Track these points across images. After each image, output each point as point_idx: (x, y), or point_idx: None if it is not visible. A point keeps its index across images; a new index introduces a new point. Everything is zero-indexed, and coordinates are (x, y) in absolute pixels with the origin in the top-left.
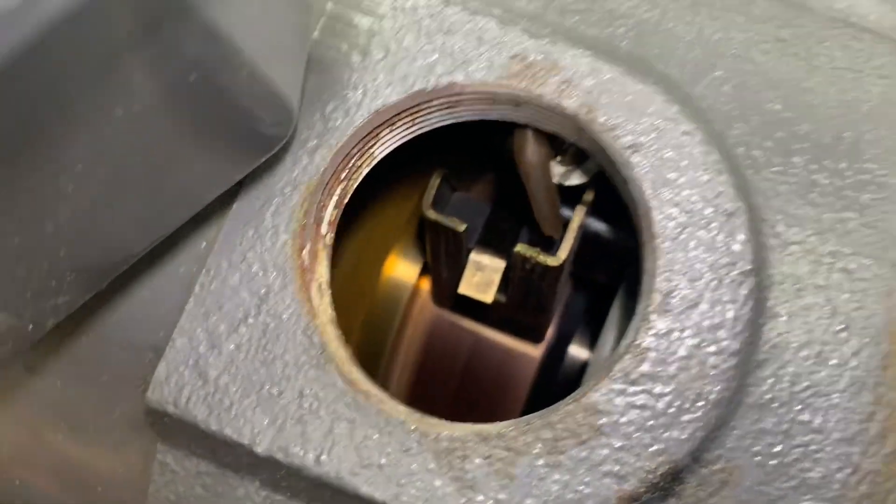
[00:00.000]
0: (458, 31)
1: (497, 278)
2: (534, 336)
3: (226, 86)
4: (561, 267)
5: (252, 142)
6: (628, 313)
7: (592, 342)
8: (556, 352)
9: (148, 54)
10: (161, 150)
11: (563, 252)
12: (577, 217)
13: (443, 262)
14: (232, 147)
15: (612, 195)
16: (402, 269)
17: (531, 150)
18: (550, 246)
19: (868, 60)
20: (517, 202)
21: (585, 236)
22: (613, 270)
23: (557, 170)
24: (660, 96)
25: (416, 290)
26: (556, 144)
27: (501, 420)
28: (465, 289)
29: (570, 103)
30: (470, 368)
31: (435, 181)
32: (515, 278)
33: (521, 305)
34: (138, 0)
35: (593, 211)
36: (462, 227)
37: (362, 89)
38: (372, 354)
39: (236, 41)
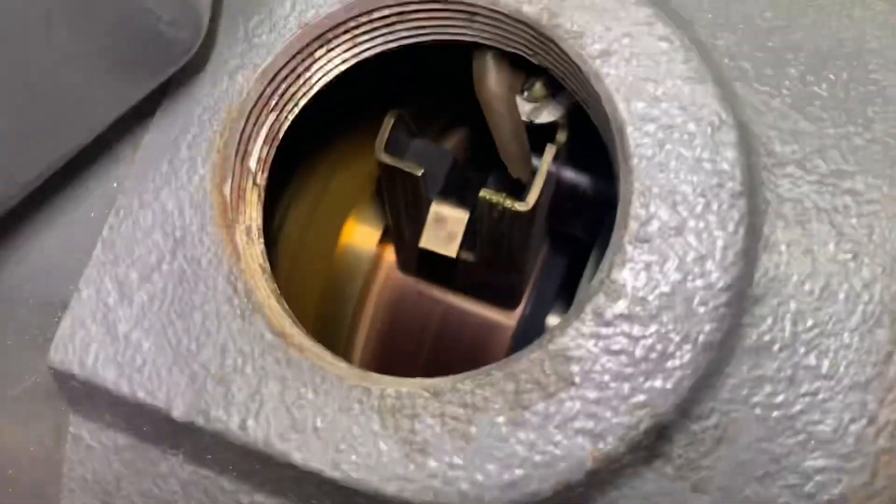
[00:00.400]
0: None
1: (460, 230)
2: (508, 302)
3: None
4: (531, 213)
5: (151, 45)
6: None
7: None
8: (533, 322)
9: None
10: (43, 51)
11: (533, 196)
12: (548, 156)
13: (403, 217)
14: (126, 50)
15: (587, 139)
16: (363, 234)
17: (493, 78)
18: (520, 191)
19: None
20: (487, 150)
21: (560, 186)
22: (592, 224)
23: (525, 106)
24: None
25: (378, 256)
26: (523, 74)
27: None
28: (425, 242)
29: (531, 9)
30: (440, 340)
31: (388, 122)
32: (483, 230)
33: (491, 263)
34: None
35: (568, 158)
36: (419, 172)
37: (290, 1)
38: (331, 325)
39: None
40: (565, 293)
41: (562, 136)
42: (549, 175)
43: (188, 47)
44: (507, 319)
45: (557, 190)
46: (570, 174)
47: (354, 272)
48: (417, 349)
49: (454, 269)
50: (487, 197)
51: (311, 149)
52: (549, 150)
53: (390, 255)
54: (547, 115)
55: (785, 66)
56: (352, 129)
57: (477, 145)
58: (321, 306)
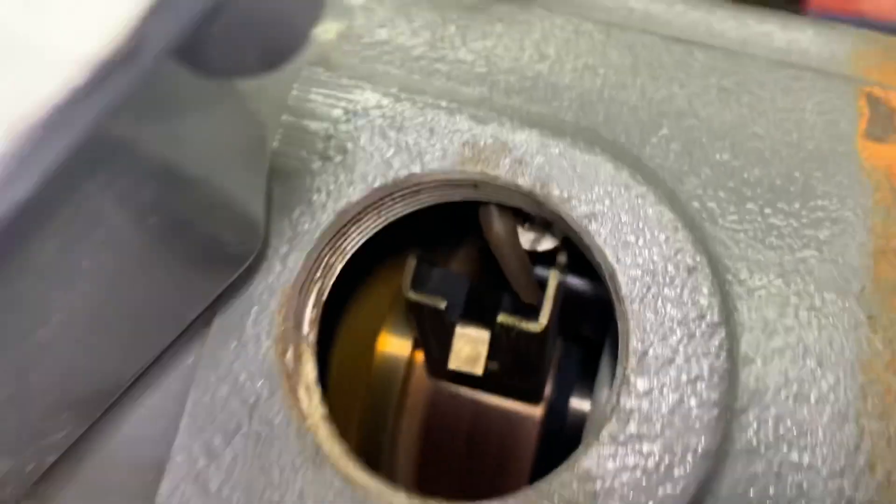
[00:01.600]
0: (409, 126)
1: (484, 350)
2: (532, 397)
3: (187, 220)
4: (544, 332)
5: (223, 262)
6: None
7: (592, 390)
8: (557, 408)
9: (102, 211)
10: (135, 286)
11: (544, 318)
12: (553, 282)
13: (431, 339)
14: (204, 270)
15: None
16: (395, 345)
17: (497, 225)
18: (533, 312)
19: (809, 98)
20: (496, 272)
21: (566, 295)
22: (598, 324)
23: (527, 237)
24: (609, 164)
25: (410, 364)
26: (522, 213)
27: (511, 484)
28: (454, 364)
29: (524, 181)
30: (473, 437)
31: (411, 264)
32: (502, 347)
33: (513, 371)
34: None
35: (570, 270)
36: (443, 305)
37: (325, 192)
38: (375, 432)
39: (191, 179)
40: (582, 379)
41: (562, 258)
42: (556, 296)
43: (252, 253)
44: (533, 410)
45: (563, 299)
46: (574, 281)
47: (392, 377)
48: (454, 447)
49: (481, 378)
50: (504, 321)
51: (342, 292)
52: (554, 276)
53: (420, 362)
54: (547, 243)
55: (745, 202)
56: (374, 261)
57: (487, 261)
58: (364, 414)
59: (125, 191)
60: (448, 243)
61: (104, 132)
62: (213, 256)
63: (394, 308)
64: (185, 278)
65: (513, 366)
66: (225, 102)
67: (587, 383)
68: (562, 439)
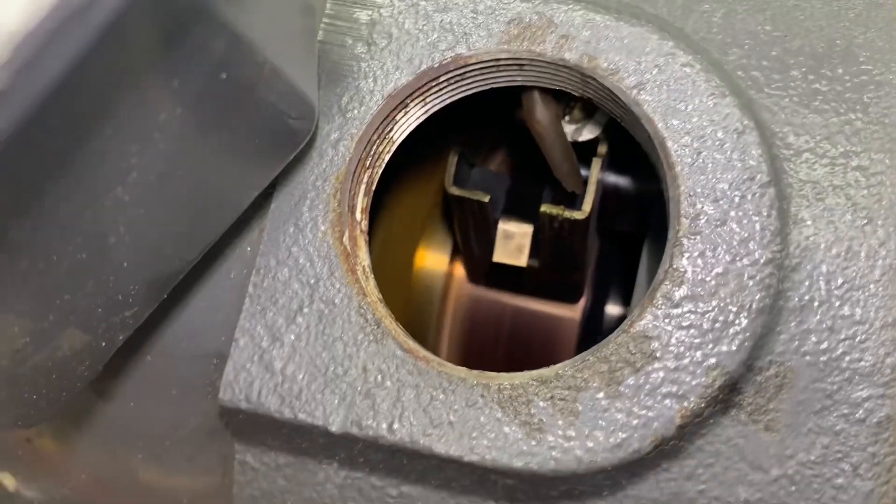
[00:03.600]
0: (453, 7)
1: (528, 242)
2: (571, 296)
3: (251, 83)
4: (587, 219)
5: (280, 137)
6: (658, 261)
7: (628, 298)
8: (595, 310)
9: (180, 59)
10: (202, 155)
11: (587, 204)
12: (595, 169)
13: (473, 238)
14: (263, 145)
15: (625, 146)
16: (433, 257)
17: (540, 111)
18: (573, 202)
19: None
20: (536, 167)
21: (605, 189)
22: (637, 219)
23: (568, 128)
24: (654, 35)
25: (450, 274)
26: (563, 101)
27: None
28: (499, 257)
29: (571, 55)
30: (514, 339)
31: (453, 159)
32: (545, 239)
33: (554, 266)
34: (162, 7)
35: (609, 164)
36: (486, 198)
37: (372, 77)
38: (418, 335)
39: (255, 41)
40: (620, 284)
41: (602, 149)
42: (598, 183)
43: (308, 132)
44: (572, 312)
45: (604, 193)
46: (612, 178)
47: (431, 292)
48: (495, 349)
49: (522, 276)
50: (548, 211)
51: (383, 189)
52: (596, 163)
53: (460, 271)
54: (588, 133)
55: (789, 69)
56: (412, 162)
57: (524, 163)
58: (405, 326)
59: (199, 46)
60: (486, 145)
61: None
62: (273, 128)
63: (432, 214)
64: (247, 149)
65: (554, 260)
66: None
67: (623, 289)
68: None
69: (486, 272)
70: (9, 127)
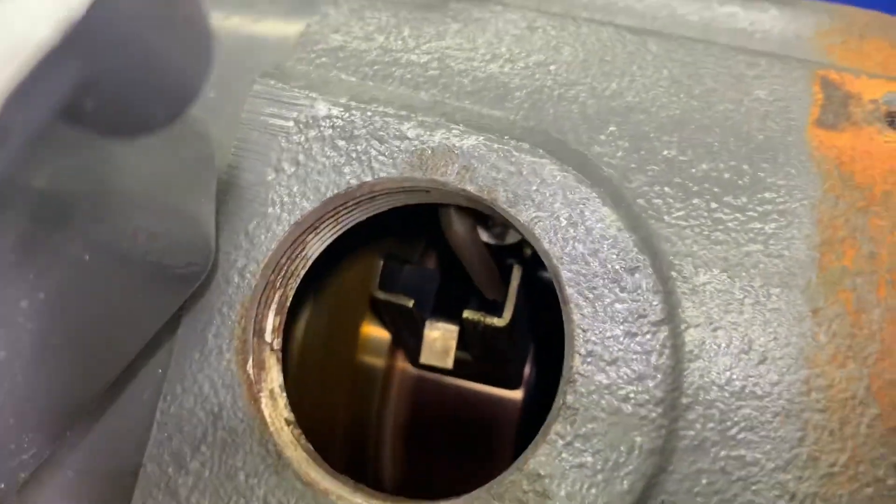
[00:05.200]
0: (359, 136)
1: (453, 343)
2: (510, 384)
3: (124, 253)
4: (509, 326)
5: (171, 283)
6: None
7: None
8: (537, 393)
9: (35, 258)
10: (90, 307)
11: (508, 312)
12: (515, 279)
13: (405, 334)
14: (158, 288)
15: None
16: (377, 339)
17: (456, 225)
18: (497, 307)
19: (761, 86)
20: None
21: (535, 286)
22: None
23: (493, 232)
24: (553, 166)
25: (393, 354)
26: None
27: (495, 468)
28: (425, 358)
29: (472, 187)
30: (456, 421)
31: (378, 263)
32: (472, 340)
33: (486, 361)
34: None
35: (537, 262)
36: (411, 303)
37: (279, 204)
38: (361, 422)
39: (122, 220)
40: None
41: (528, 250)
42: (517, 292)
43: (201, 274)
44: (513, 394)
45: (533, 292)
46: (542, 274)
47: (375, 370)
48: (438, 429)
49: (457, 368)
50: (469, 317)
51: (317, 287)
52: (516, 271)
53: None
54: (511, 237)
55: (692, 197)
56: (348, 256)
57: (455, 262)
58: (351, 402)
59: (54, 245)
60: (422, 243)
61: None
62: (165, 275)
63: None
64: (142, 293)
65: (485, 357)
66: (163, 137)
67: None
68: (544, 418)
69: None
70: None
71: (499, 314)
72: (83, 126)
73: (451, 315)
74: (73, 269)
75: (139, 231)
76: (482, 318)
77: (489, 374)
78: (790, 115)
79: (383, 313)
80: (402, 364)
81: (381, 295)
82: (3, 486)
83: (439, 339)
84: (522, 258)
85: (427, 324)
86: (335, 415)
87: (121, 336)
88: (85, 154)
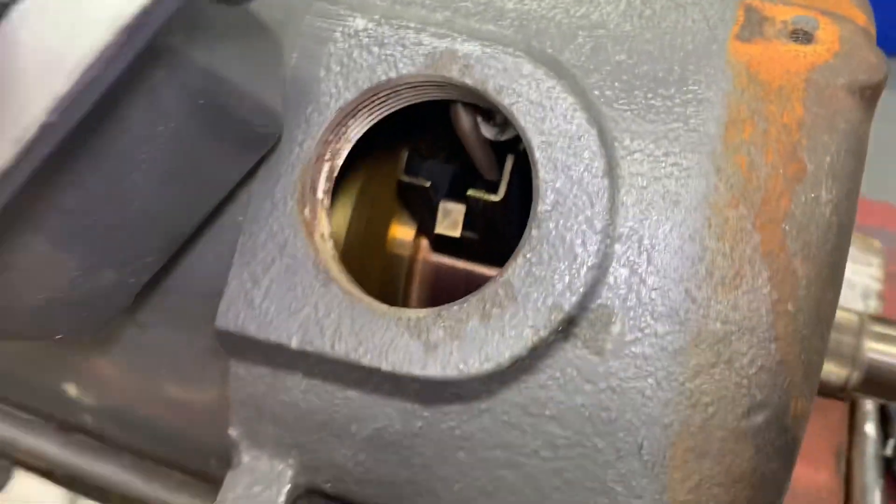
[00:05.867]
0: (388, 43)
1: (461, 217)
2: None
3: (223, 104)
4: (503, 202)
5: (252, 140)
6: None
7: None
8: None
9: (171, 93)
10: (193, 151)
11: (502, 190)
12: (508, 163)
13: (424, 214)
14: (240, 143)
15: None
16: (403, 231)
17: (463, 120)
18: (495, 188)
19: (695, 13)
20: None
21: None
22: None
23: (492, 130)
24: (530, 65)
25: (417, 245)
26: (486, 110)
27: None
28: (439, 229)
29: (469, 80)
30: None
31: (404, 154)
32: (476, 216)
33: (488, 237)
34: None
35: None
36: (428, 184)
37: (328, 94)
38: (389, 299)
39: (225, 78)
40: None
41: (521, 146)
42: (510, 174)
43: (275, 136)
44: None
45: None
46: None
47: (402, 259)
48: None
49: (470, 246)
50: (472, 194)
51: (358, 174)
52: (509, 159)
53: (425, 242)
54: (508, 134)
55: (633, 90)
56: (384, 158)
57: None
58: (382, 285)
59: (183, 84)
60: (441, 143)
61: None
62: (246, 132)
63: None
64: (227, 146)
65: (487, 233)
66: (254, 31)
67: None
68: None
69: (441, 245)
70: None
71: (496, 193)
72: None
73: (461, 198)
74: (193, 108)
75: (234, 90)
76: (482, 195)
77: (493, 254)
78: (716, 31)
79: (408, 197)
80: (424, 254)
81: (406, 178)
82: (132, 280)
83: (451, 213)
84: (517, 152)
85: (441, 203)
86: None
87: (219, 172)
88: (203, 23)
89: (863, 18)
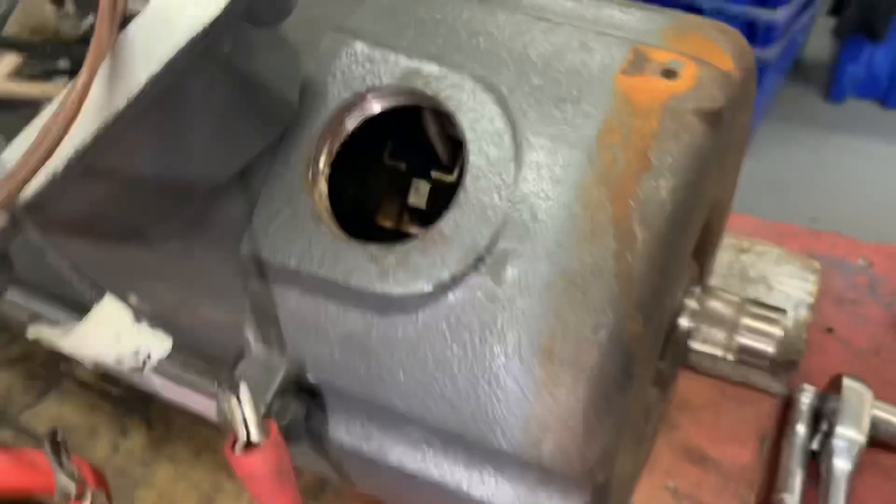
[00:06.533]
0: (376, 61)
1: (426, 192)
2: None
3: (254, 93)
4: (456, 181)
5: (274, 120)
6: None
7: None
8: None
9: (218, 80)
10: (231, 121)
11: (455, 173)
12: (464, 152)
13: (400, 191)
14: (264, 121)
15: None
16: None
17: (429, 122)
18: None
19: (599, 52)
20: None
21: None
22: None
23: (452, 130)
24: (470, 82)
25: (400, 220)
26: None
27: None
28: (410, 201)
29: (428, 91)
30: None
31: (388, 146)
32: (439, 191)
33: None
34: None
35: None
36: (404, 167)
37: (332, 94)
38: None
39: (257, 75)
40: None
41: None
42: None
43: (291, 119)
44: None
45: None
46: None
47: (389, 231)
48: None
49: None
50: (434, 175)
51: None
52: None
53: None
54: (459, 133)
55: (540, 104)
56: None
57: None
58: None
59: (227, 73)
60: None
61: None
62: (269, 114)
63: None
64: (255, 122)
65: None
66: (280, 46)
67: None
68: None
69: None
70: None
71: (451, 174)
72: (253, 19)
73: (427, 178)
74: (228, 93)
75: (262, 82)
76: (441, 176)
77: None
78: (608, 66)
79: (390, 176)
80: (406, 227)
81: (389, 161)
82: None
83: (419, 189)
84: None
85: (413, 181)
86: None
87: (250, 138)
88: (245, 38)
89: (729, 64)
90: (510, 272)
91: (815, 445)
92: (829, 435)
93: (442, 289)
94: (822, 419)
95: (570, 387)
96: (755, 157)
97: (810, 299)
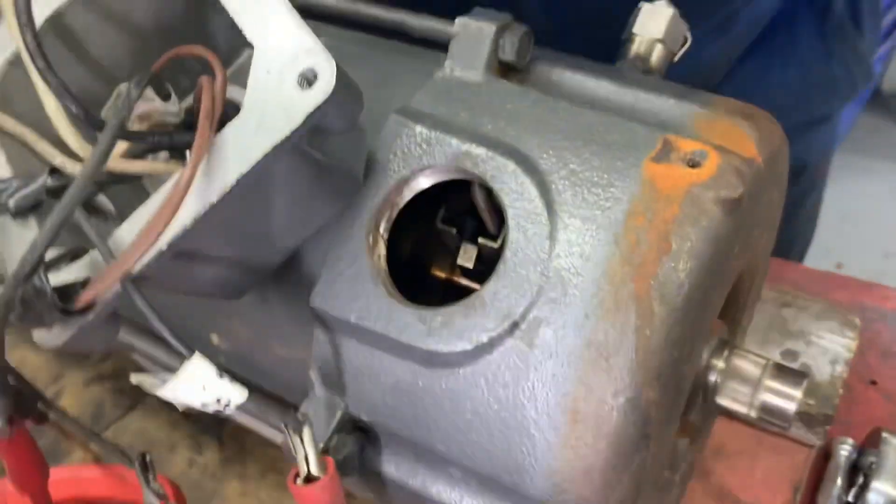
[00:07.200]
0: (432, 143)
1: (474, 254)
2: None
3: (326, 174)
4: (500, 247)
5: (342, 192)
6: None
7: None
8: None
9: (297, 167)
10: (307, 196)
11: (499, 240)
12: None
13: (449, 251)
14: (333, 194)
15: None
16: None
17: (477, 193)
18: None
19: (631, 140)
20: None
21: None
22: None
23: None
24: (513, 164)
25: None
26: None
27: None
28: (459, 261)
29: (476, 171)
30: None
31: (440, 213)
32: (484, 255)
33: (491, 268)
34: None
35: None
36: (454, 231)
37: (392, 170)
38: None
39: (329, 161)
40: None
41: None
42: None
43: (356, 191)
44: None
45: None
46: None
47: (439, 280)
48: None
49: (480, 273)
50: (481, 241)
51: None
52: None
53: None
54: None
55: (577, 187)
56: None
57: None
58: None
59: (305, 161)
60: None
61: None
62: (338, 188)
63: None
64: (326, 196)
65: (490, 265)
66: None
67: None
68: None
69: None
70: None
71: (496, 241)
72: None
73: (475, 242)
74: (305, 176)
75: (334, 165)
76: (487, 242)
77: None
78: (638, 154)
79: (441, 239)
80: (457, 278)
81: (440, 226)
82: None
83: (468, 251)
84: None
85: (462, 244)
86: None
87: (319, 211)
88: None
89: (752, 150)
90: (542, 338)
91: (850, 498)
92: (864, 489)
93: (481, 349)
94: (858, 472)
95: (591, 444)
96: (829, 188)
97: (848, 354)
